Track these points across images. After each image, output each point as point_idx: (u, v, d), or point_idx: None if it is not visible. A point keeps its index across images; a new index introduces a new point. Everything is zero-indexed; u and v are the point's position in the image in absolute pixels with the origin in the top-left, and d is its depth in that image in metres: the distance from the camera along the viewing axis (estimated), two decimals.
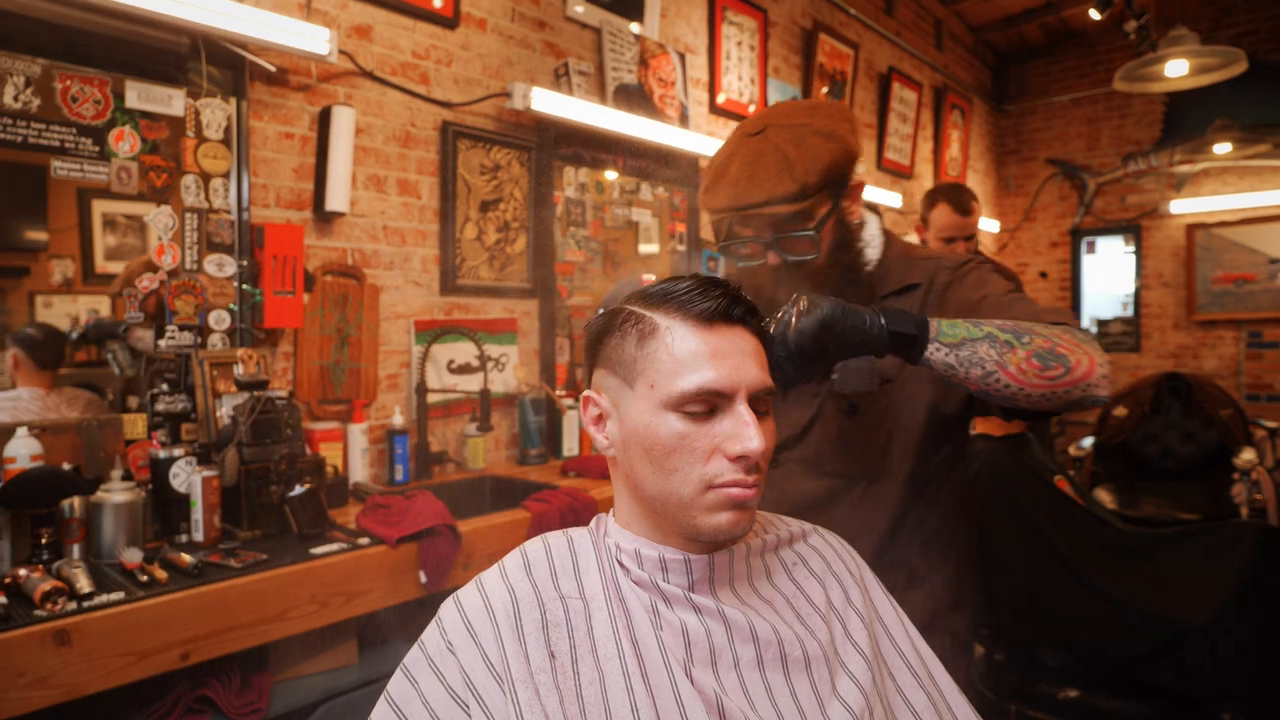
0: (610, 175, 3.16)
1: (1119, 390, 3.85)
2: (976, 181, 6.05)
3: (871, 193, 4.36)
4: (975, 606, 1.81)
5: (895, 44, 4.90)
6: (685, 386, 0.69)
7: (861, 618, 0.79)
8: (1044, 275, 6.08)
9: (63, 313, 1.84)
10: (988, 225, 5.90)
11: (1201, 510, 3.11)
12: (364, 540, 1.63)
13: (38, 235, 1.84)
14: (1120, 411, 3.59)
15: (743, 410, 0.70)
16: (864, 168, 0.93)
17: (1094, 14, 3.82)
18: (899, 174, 5.01)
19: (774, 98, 3.96)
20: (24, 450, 1.49)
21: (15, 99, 1.65)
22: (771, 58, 3.96)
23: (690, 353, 0.70)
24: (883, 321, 0.87)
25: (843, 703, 0.71)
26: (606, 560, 0.75)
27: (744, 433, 0.69)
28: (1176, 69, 3.32)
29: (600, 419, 0.77)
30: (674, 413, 0.70)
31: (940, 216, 2.61)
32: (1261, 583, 1.61)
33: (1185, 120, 5.33)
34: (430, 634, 0.72)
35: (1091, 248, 5.93)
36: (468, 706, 0.66)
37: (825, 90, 4.25)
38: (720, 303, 0.71)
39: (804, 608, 0.78)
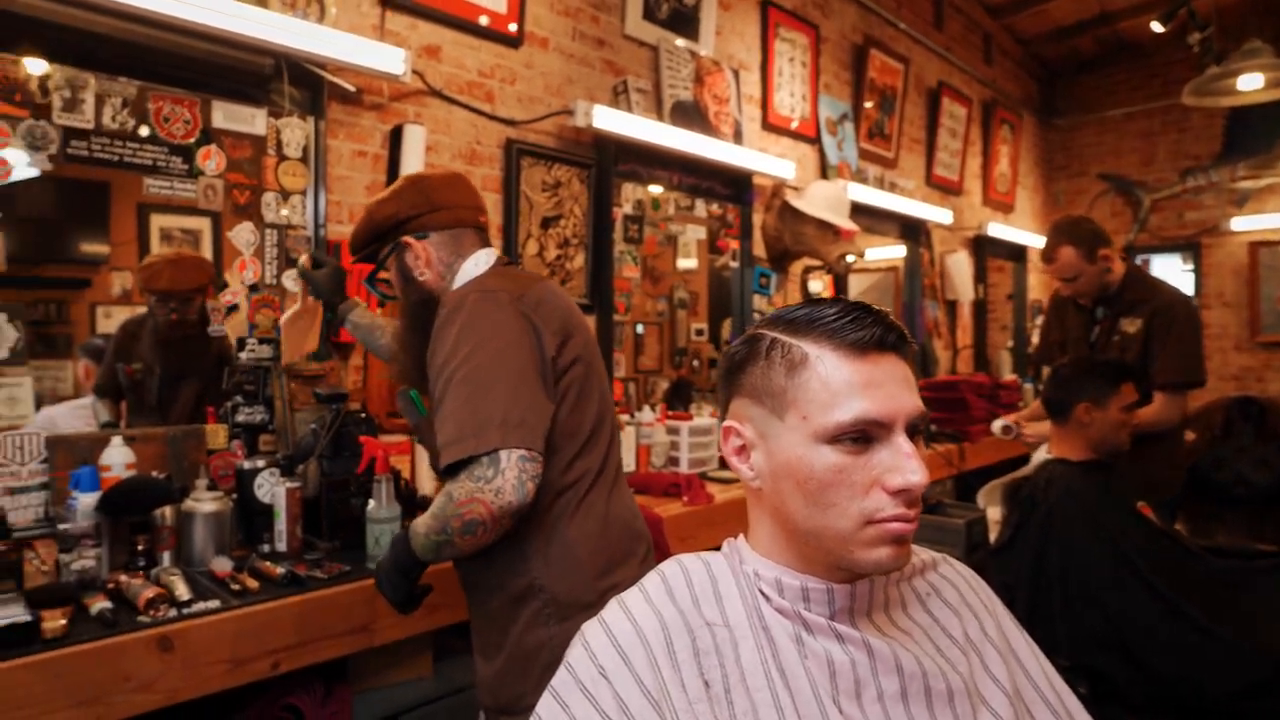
0: (663, 191, 3.17)
1: (1187, 414, 3.73)
2: (1025, 198, 5.97)
3: (921, 209, 4.32)
4: (1060, 637, 1.75)
5: (945, 58, 4.87)
6: (841, 418, 0.66)
7: (998, 650, 0.76)
8: None
9: (120, 324, 1.92)
10: (1037, 242, 5.80)
11: (1278, 541, 3.00)
12: None
13: (99, 249, 1.90)
14: (1189, 436, 3.49)
15: (901, 441, 0.67)
16: (425, 232, 1.18)
17: (1157, 26, 3.76)
18: (948, 190, 4.96)
19: (825, 114, 3.95)
20: (119, 459, 1.53)
21: (113, 119, 1.70)
22: (823, 74, 3.96)
23: (845, 383, 0.67)
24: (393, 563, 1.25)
25: None
26: (747, 587, 0.73)
27: (905, 465, 0.66)
28: (1251, 82, 3.24)
29: (744, 450, 0.74)
30: (829, 445, 0.67)
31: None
32: None
33: (1248, 135, 5.20)
34: (578, 656, 0.70)
35: (1147, 265, 5.80)
36: None
37: (871, 104, 4.23)
38: (875, 331, 0.68)
39: (942, 640, 0.75)
